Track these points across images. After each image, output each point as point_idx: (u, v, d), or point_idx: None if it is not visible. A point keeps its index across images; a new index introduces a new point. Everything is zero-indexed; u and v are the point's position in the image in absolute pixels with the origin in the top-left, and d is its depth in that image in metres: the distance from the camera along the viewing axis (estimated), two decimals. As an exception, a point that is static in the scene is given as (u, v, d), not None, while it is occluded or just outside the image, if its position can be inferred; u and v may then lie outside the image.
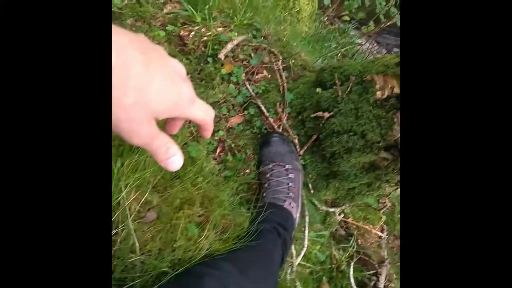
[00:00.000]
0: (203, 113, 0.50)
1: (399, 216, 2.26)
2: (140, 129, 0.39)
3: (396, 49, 5.22)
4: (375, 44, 4.62)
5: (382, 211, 1.73)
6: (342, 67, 1.27)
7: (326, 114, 1.23)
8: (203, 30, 1.45)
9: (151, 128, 0.41)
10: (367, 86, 1.17)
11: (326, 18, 3.57)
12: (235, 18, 1.49)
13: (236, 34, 1.46)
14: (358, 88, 1.20)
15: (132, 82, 0.37)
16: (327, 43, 3.36)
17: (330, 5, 3.05)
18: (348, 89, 1.21)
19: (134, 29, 1.43)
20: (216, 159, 1.30)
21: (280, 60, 1.45)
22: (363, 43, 4.21)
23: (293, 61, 1.47)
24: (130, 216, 0.83)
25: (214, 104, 1.37)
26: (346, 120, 1.19)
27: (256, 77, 1.44)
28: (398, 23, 3.68)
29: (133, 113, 0.38)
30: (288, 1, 1.78)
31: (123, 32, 0.39)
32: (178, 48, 1.44)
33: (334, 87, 1.24)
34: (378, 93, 1.15)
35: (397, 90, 1.11)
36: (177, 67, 0.47)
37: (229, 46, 1.42)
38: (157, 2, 1.52)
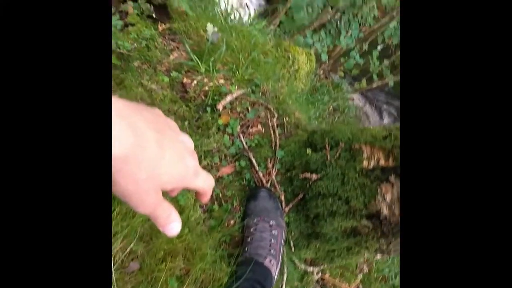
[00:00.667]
0: (204, 184, 0.54)
1: (375, 275, 2.27)
2: (147, 199, 0.43)
3: (385, 106, 5.44)
4: (365, 100, 4.80)
5: (359, 274, 1.74)
6: (332, 132, 1.34)
7: (314, 176, 1.28)
8: (205, 80, 1.52)
9: (157, 198, 0.44)
10: (355, 154, 1.23)
11: (322, 71, 3.73)
12: (237, 73, 1.57)
13: (236, 87, 1.53)
14: (346, 154, 1.26)
15: (146, 160, 0.41)
16: (321, 96, 3.50)
17: (326, 61, 3.20)
18: (337, 154, 1.27)
19: (139, 71, 1.49)
20: (202, 207, 1.32)
21: (275, 117, 1.52)
22: (354, 98, 4.38)
23: (287, 118, 1.54)
24: (114, 265, 0.84)
25: (207, 153, 1.41)
26: (332, 184, 1.24)
27: (251, 130, 1.50)
28: (390, 84, 3.87)
29: (143, 186, 0.42)
30: (287, 59, 1.89)
31: (141, 110, 0.43)
32: (180, 94, 1.50)
33: (324, 150, 1.30)
34: (365, 163, 1.21)
35: (382, 162, 1.18)
36: (186, 142, 0.51)
37: (228, 98, 1.49)
38: (165, 48, 1.60)
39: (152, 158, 0.41)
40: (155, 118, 0.46)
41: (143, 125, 0.41)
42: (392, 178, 1.13)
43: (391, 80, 3.69)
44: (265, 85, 1.60)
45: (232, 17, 2.28)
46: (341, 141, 1.28)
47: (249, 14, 3.01)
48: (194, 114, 1.47)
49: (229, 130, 1.46)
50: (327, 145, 1.29)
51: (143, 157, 0.40)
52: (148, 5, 1.64)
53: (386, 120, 4.70)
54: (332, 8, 2.80)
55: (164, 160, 0.43)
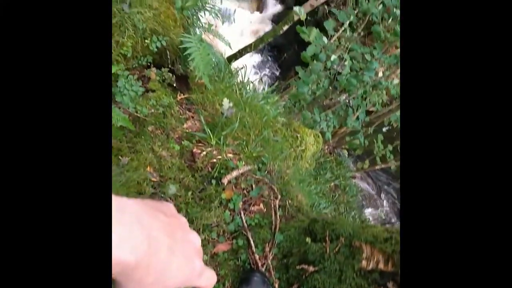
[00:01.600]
0: (207, 282, 0.53)
1: None
2: None
3: (386, 187, 5.45)
4: (367, 179, 4.83)
5: None
6: (334, 224, 1.33)
7: (311, 268, 1.25)
8: (214, 152, 1.56)
9: None
10: (354, 252, 1.22)
11: (326, 147, 3.80)
12: (246, 149, 1.61)
13: (243, 163, 1.56)
14: (346, 250, 1.24)
15: (156, 265, 0.41)
16: (323, 171, 3.53)
17: (330, 141, 3.28)
18: (337, 249, 1.25)
19: (152, 135, 1.53)
20: (193, 285, 1.28)
21: (278, 198, 1.52)
22: (356, 176, 4.40)
23: (290, 201, 1.54)
24: None
25: (206, 226, 1.40)
26: (329, 280, 1.20)
27: (252, 208, 1.50)
28: (393, 168, 3.91)
29: None
30: (296, 139, 1.94)
31: (157, 214, 0.44)
32: (188, 163, 1.53)
33: (324, 242, 1.29)
34: (364, 262, 1.19)
35: (382, 265, 1.15)
36: (195, 241, 0.52)
37: (235, 173, 1.51)
38: (180, 116, 1.66)
39: (162, 264, 0.42)
40: (169, 221, 0.47)
41: (158, 233, 0.42)
42: (390, 285, 1.10)
43: (393, 165, 3.74)
44: (272, 164, 1.63)
45: (248, 88, 2.39)
46: (342, 236, 1.27)
47: (263, 88, 3.16)
48: (199, 185, 1.48)
49: (231, 205, 1.46)
50: (327, 237, 1.28)
51: (153, 263, 0.41)
52: (170, 74, 1.73)
53: (385, 203, 4.68)
54: (337, 88, 2.93)
55: (172, 265, 0.43)
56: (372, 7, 2.52)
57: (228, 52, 3.46)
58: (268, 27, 6.03)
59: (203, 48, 1.67)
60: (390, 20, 2.67)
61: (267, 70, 5.99)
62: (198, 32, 2.14)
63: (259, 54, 5.94)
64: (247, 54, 4.80)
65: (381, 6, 2.55)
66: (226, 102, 1.69)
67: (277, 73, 5.93)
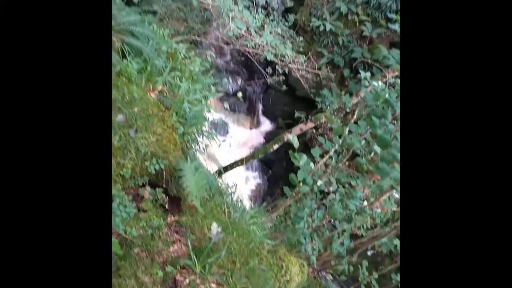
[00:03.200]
0: None
1: None
2: None
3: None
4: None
5: None
6: None
7: None
8: (198, 281, 1.52)
9: None
10: None
11: (311, 271, 3.70)
12: (230, 280, 1.58)
13: (226, 295, 1.52)
14: None
15: None
16: (308, 297, 3.36)
17: (314, 265, 3.22)
18: None
19: (137, 258, 1.51)
20: None
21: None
22: (342, 304, 4.18)
23: None
24: None
25: None
26: None
27: None
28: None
29: None
30: (281, 268, 1.92)
31: None
32: (169, 291, 1.48)
33: None
34: None
35: None
36: None
37: (216, 306, 1.45)
38: (168, 239, 1.67)
39: None
40: None
41: None
42: None
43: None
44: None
45: (237, 206, 2.44)
46: None
47: (251, 206, 3.22)
48: (177, 318, 1.41)
49: None
50: None
51: None
52: (163, 195, 1.79)
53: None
54: (330, 221, 3.00)
55: None
56: (355, 142, 2.76)
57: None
58: (259, 142, 6.41)
59: (198, 174, 1.77)
60: (372, 154, 2.89)
61: (255, 182, 6.15)
62: (193, 152, 2.28)
63: (250, 167, 6.17)
64: (237, 167, 4.99)
65: (363, 141, 2.79)
66: (214, 227, 1.72)
67: (265, 187, 6.07)
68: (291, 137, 2.96)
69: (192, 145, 2.20)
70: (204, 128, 2.30)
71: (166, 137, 1.91)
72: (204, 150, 2.42)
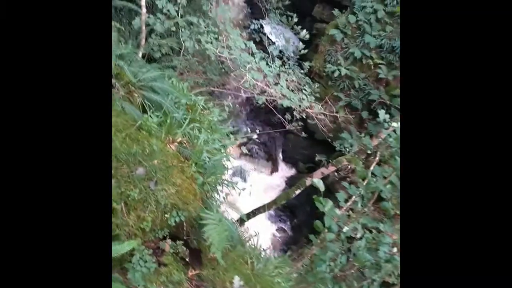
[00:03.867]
0: None
1: None
2: None
3: None
4: None
5: None
6: None
7: None
8: None
9: None
10: None
11: (342, 324, 3.45)
12: None
13: None
14: None
15: None
16: None
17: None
18: None
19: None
20: None
21: None
22: None
23: None
24: None
25: None
26: None
27: None
28: None
29: None
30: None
31: None
32: None
33: None
34: None
35: None
36: None
37: None
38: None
39: None
40: None
41: None
42: None
43: None
44: None
45: (260, 256, 2.35)
46: None
47: (275, 255, 3.10)
48: None
49: None
50: None
51: None
52: (184, 248, 1.76)
53: None
54: (358, 269, 2.85)
55: None
56: (380, 186, 2.68)
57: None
58: (280, 188, 6.33)
59: (220, 224, 1.74)
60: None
61: (278, 229, 5.99)
62: (214, 202, 2.26)
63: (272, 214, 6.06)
64: (260, 214, 4.90)
65: (389, 185, 2.71)
66: (237, 280, 1.65)
67: (289, 234, 5.89)
68: (316, 181, 2.90)
69: (212, 195, 2.19)
70: (224, 177, 2.30)
71: (186, 187, 1.90)
72: (224, 199, 2.40)
